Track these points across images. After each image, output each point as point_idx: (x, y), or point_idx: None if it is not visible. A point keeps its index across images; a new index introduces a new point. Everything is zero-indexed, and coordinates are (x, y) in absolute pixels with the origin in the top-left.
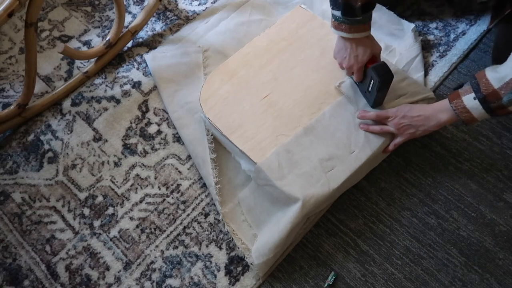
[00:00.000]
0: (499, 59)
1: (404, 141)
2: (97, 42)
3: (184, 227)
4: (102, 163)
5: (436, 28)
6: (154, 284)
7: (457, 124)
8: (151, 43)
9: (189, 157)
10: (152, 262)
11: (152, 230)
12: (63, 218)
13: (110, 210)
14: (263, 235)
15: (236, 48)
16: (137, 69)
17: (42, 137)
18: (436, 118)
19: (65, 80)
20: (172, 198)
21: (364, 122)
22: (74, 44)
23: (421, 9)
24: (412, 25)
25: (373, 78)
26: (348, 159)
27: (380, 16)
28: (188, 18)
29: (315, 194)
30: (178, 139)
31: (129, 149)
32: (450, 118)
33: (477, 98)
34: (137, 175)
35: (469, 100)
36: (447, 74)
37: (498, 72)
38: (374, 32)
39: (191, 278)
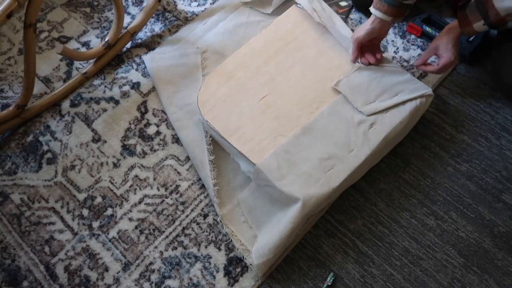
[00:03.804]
0: (498, 60)
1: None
2: (96, 43)
3: (183, 228)
4: (101, 164)
5: None
6: (153, 285)
7: (456, 125)
8: (150, 44)
9: (188, 158)
10: (151, 263)
11: (151, 231)
12: (62, 219)
13: (109, 211)
14: (263, 236)
15: (235, 49)
16: (136, 70)
17: (41, 138)
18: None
19: (64, 81)
20: (171, 199)
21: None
22: (73, 45)
23: (420, 10)
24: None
25: None
26: (348, 158)
27: None
28: (187, 19)
29: (315, 194)
30: (177, 140)
31: (128, 150)
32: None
33: (486, 24)
34: (136, 176)
35: (479, 26)
36: (446, 75)
37: (504, 2)
38: None
39: (190, 279)
